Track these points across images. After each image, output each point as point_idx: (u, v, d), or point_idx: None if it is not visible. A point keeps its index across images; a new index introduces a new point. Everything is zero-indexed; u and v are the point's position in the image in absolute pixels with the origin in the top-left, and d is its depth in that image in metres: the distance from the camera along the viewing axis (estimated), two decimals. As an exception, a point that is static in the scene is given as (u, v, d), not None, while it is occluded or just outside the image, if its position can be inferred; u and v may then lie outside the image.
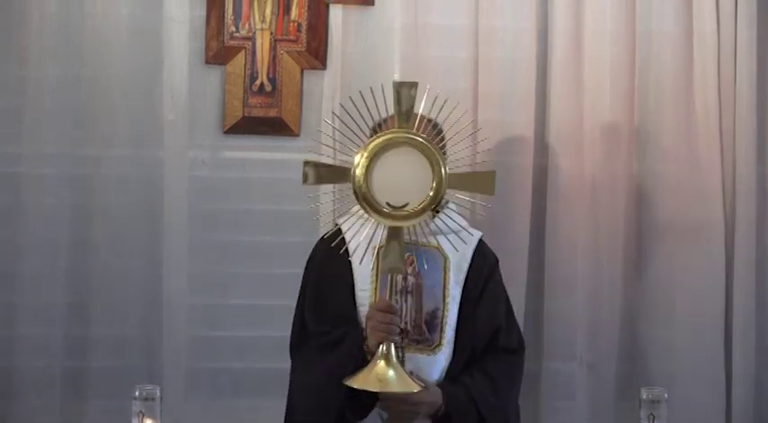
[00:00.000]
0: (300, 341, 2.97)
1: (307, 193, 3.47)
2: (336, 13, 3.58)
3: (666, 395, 2.60)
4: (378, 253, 2.80)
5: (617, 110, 3.61)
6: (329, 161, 2.74)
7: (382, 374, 2.64)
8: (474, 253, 2.96)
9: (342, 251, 2.82)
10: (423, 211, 2.64)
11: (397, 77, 3.54)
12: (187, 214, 3.56)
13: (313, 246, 3.35)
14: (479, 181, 2.72)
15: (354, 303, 2.88)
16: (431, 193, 2.63)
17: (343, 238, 2.85)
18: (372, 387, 2.65)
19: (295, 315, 3.04)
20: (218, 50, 3.57)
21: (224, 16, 3.55)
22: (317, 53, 3.58)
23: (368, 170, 2.64)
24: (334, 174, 2.68)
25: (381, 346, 2.67)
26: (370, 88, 2.68)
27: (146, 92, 3.55)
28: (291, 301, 3.46)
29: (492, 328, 2.96)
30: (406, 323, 2.82)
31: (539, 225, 3.61)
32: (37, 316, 3.50)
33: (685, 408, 3.47)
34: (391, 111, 2.70)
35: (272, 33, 3.57)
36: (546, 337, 3.58)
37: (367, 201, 2.63)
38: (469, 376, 2.87)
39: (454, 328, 2.88)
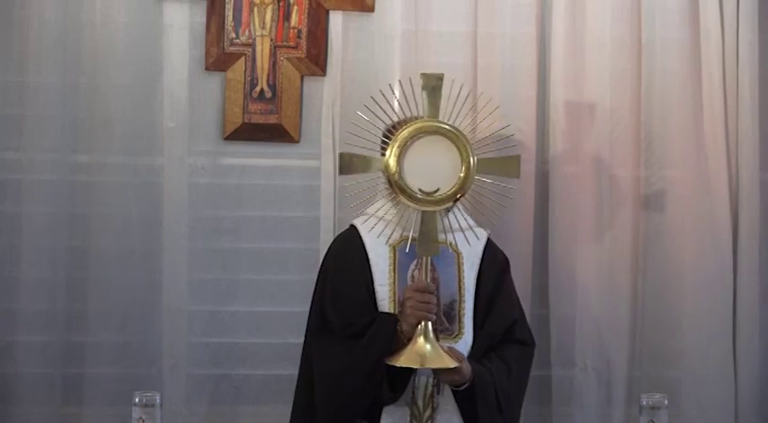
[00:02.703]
0: (321, 334, 3.03)
1: (307, 199, 3.58)
2: (336, 20, 3.59)
3: (666, 402, 2.61)
4: (395, 250, 3.00)
5: (621, 116, 3.62)
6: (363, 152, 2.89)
7: (422, 352, 2.79)
8: (484, 249, 3.09)
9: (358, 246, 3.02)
10: (453, 195, 2.82)
11: (396, 84, 3.52)
12: (187, 221, 3.56)
13: (313, 251, 3.53)
14: (505, 165, 2.89)
15: (374, 299, 2.98)
16: (460, 178, 2.81)
17: (360, 237, 3.02)
18: (413, 364, 2.79)
19: (312, 309, 3.11)
20: (217, 57, 3.57)
21: (224, 23, 3.55)
22: (316, 60, 3.58)
23: (400, 158, 2.80)
24: (369, 163, 2.85)
25: (420, 325, 2.81)
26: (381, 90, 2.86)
27: (146, 99, 3.55)
28: (292, 308, 3.54)
29: (509, 320, 3.10)
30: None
31: (542, 232, 3.61)
32: (36, 323, 3.50)
33: (695, 412, 3.50)
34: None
35: (272, 40, 3.57)
36: (553, 343, 3.58)
37: (400, 187, 2.80)
38: (488, 360, 2.99)
39: (472, 319, 3.01)
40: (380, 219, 3.03)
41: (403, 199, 2.82)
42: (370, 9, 3.58)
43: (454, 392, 2.94)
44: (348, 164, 2.86)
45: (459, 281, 3.02)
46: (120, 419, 2.75)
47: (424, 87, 2.83)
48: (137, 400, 2.53)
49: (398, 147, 2.81)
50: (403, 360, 2.78)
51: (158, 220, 3.55)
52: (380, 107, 2.89)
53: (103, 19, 3.52)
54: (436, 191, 2.80)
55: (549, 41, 3.61)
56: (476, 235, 3.01)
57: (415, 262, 3.00)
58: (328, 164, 3.58)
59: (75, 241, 3.53)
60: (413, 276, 2.99)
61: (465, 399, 2.94)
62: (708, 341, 3.60)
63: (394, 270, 3.00)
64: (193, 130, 3.58)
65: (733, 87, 3.61)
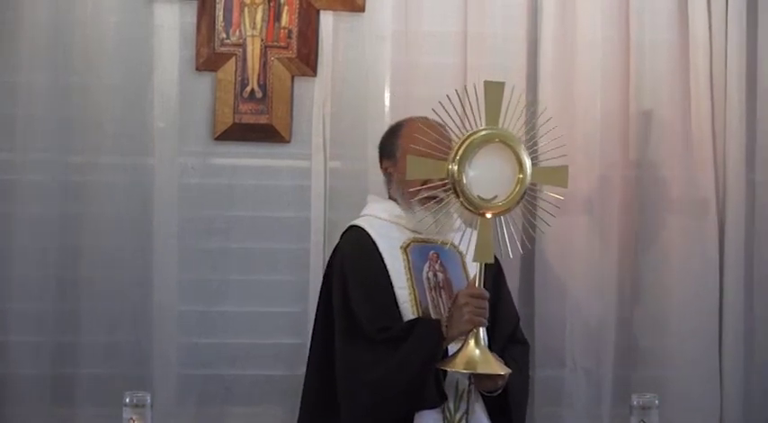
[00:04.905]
0: (353, 339, 2.94)
1: (297, 199, 3.58)
2: (327, 20, 3.58)
3: (657, 401, 2.62)
4: (406, 252, 3.00)
5: (610, 117, 3.62)
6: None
7: (474, 357, 2.81)
8: None
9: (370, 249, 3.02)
10: (510, 202, 2.84)
11: (387, 84, 3.58)
12: (177, 221, 3.54)
13: (304, 252, 3.55)
14: (555, 174, 2.95)
15: (395, 302, 2.96)
16: (518, 186, 2.84)
17: (372, 239, 3.01)
18: (468, 369, 2.81)
19: (325, 313, 3.05)
20: (208, 57, 3.55)
21: (214, 23, 3.54)
22: (307, 60, 3.57)
23: (461, 165, 2.81)
24: (434, 168, 2.85)
25: (473, 331, 2.82)
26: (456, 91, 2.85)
27: (136, 99, 3.54)
28: (282, 308, 3.56)
29: (514, 321, 3.14)
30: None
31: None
32: (27, 323, 3.49)
33: (680, 410, 3.51)
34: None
35: (262, 40, 3.56)
36: (538, 343, 3.56)
37: (465, 195, 2.82)
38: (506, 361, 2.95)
39: None
40: (385, 220, 3.03)
41: (465, 205, 2.83)
42: (361, 9, 3.58)
43: (484, 396, 2.94)
44: (415, 167, 2.85)
45: (467, 281, 2.99)
46: (110, 420, 2.72)
47: (485, 95, 2.82)
48: (127, 400, 2.52)
49: (462, 153, 2.82)
50: (458, 365, 2.80)
51: (149, 221, 3.53)
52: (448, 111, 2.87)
53: (94, 19, 3.51)
54: (494, 198, 2.83)
55: (540, 42, 3.62)
56: (469, 235, 2.95)
57: (427, 264, 3.01)
58: (319, 164, 3.57)
59: (65, 241, 3.51)
60: (428, 278, 2.99)
61: (496, 403, 2.94)
62: (693, 340, 3.61)
63: (410, 272, 2.99)
64: (184, 131, 3.56)
65: (721, 88, 3.62)
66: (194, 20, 3.55)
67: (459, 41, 3.59)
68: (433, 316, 2.96)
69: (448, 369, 2.82)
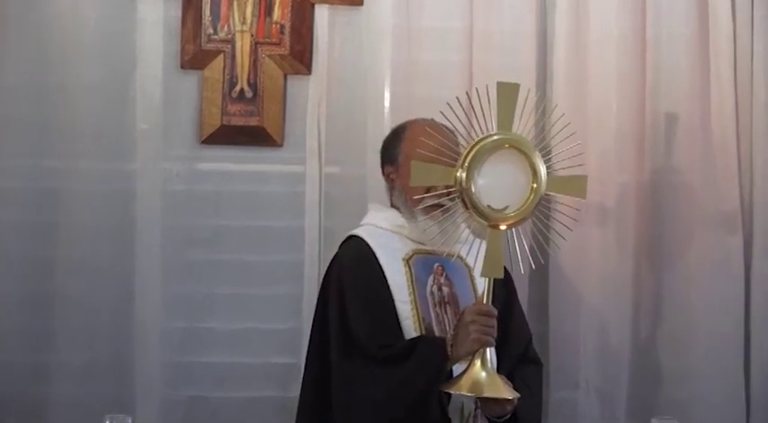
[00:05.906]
0: (351, 358, 2.85)
1: (291, 207, 3.54)
2: (322, 14, 3.52)
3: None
4: (409, 264, 2.93)
5: (625, 118, 3.55)
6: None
7: (480, 380, 2.71)
8: None
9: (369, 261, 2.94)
10: (523, 213, 2.73)
11: (387, 84, 3.52)
12: (161, 231, 3.48)
13: (298, 263, 3.49)
14: (572, 184, 2.83)
15: (396, 317, 2.88)
16: (531, 196, 2.73)
17: (372, 250, 2.94)
18: (474, 393, 2.71)
19: (321, 328, 2.96)
20: (194, 54, 3.50)
21: (201, 17, 3.49)
22: (301, 57, 3.51)
23: (470, 172, 2.71)
24: (440, 175, 2.75)
25: (480, 351, 2.72)
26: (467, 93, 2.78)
27: (117, 99, 3.48)
28: (274, 324, 3.49)
29: (525, 338, 3.06)
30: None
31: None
32: (-1, 340, 3.41)
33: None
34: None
35: (252, 36, 3.51)
36: (552, 363, 3.48)
37: (473, 204, 2.72)
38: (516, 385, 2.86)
39: None
40: (386, 230, 2.96)
41: (474, 216, 2.73)
42: (359, 2, 3.53)
43: (491, 421, 2.83)
44: (420, 174, 2.75)
45: (475, 297, 2.89)
46: (89, 444, 2.69)
47: (498, 97, 2.73)
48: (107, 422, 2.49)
49: (471, 159, 2.71)
50: (463, 388, 2.69)
51: (130, 230, 3.47)
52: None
53: (73, 12, 3.45)
54: (505, 208, 2.72)
55: (552, 38, 3.56)
56: (478, 247, 2.83)
57: (431, 277, 2.92)
58: (314, 169, 3.51)
59: (40, 252, 3.44)
60: (432, 293, 2.91)
61: None
62: (716, 359, 3.51)
63: (412, 286, 2.90)
64: (168, 133, 3.49)
65: (746, 85, 3.55)
66: (179, 14, 3.50)
67: (464, 38, 3.53)
68: (438, 333, 2.87)
69: (452, 391, 2.72)
